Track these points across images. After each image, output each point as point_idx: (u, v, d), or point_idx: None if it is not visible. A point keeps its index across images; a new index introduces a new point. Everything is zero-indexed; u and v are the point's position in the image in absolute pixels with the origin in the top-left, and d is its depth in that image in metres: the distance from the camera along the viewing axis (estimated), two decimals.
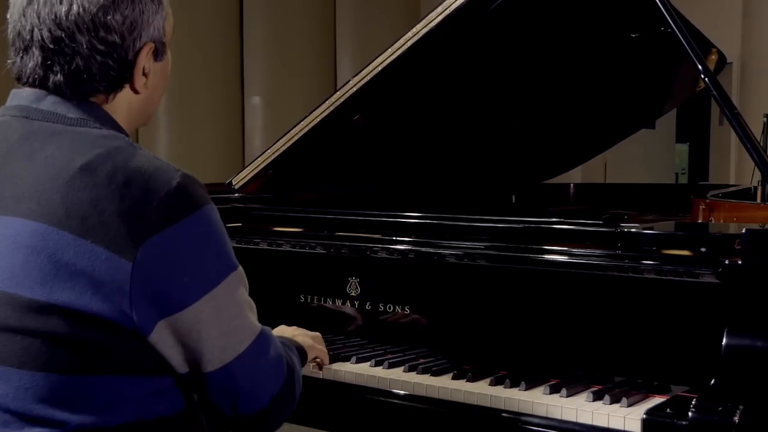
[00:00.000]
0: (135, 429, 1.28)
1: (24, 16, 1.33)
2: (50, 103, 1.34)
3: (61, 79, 1.33)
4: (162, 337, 1.26)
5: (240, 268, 1.36)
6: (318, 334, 1.87)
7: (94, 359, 1.24)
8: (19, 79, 1.36)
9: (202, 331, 1.29)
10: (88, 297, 1.21)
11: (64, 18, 1.31)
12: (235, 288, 1.34)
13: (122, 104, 1.40)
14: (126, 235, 1.21)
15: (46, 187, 1.25)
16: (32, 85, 1.35)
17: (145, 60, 1.39)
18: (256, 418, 1.40)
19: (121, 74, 1.37)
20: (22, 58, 1.35)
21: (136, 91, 1.40)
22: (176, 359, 1.30)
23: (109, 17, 1.32)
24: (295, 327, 1.82)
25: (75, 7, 1.31)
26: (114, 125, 1.37)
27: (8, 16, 1.36)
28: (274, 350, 1.41)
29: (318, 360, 1.87)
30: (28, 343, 1.23)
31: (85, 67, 1.33)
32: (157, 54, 1.42)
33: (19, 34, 1.34)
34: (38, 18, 1.31)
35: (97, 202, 1.22)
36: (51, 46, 1.31)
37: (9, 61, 1.37)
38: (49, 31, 1.31)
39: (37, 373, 1.23)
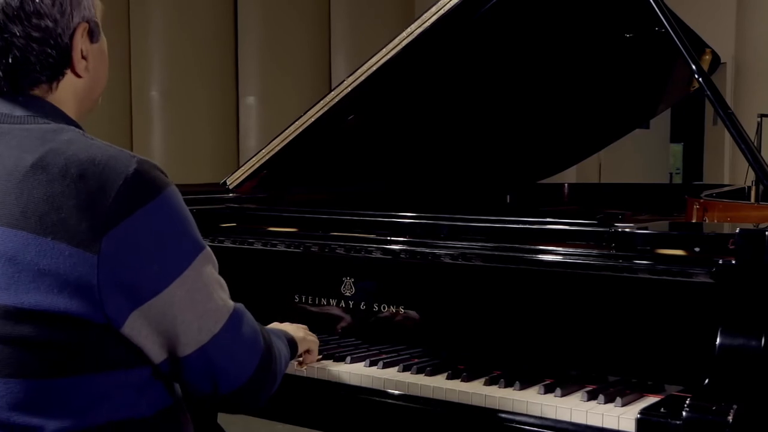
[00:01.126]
0: (117, 429, 1.26)
1: None
2: None
3: (0, 74, 1.31)
4: (135, 328, 1.24)
5: (207, 248, 1.34)
6: (303, 326, 1.86)
7: (66, 360, 1.22)
8: None
9: (178, 316, 1.27)
10: (54, 296, 1.19)
11: None
12: (204, 268, 1.31)
13: (67, 92, 1.37)
14: (88, 229, 1.19)
15: None
16: None
17: (81, 42, 1.36)
18: (237, 396, 1.38)
19: (61, 60, 1.34)
20: None
21: (78, 75, 1.37)
22: (151, 348, 1.28)
23: (37, 2, 1.29)
24: (287, 323, 1.82)
25: None
26: (63, 117, 1.35)
27: None
28: (249, 326, 1.40)
29: (311, 354, 1.86)
30: None
31: (22, 57, 1.30)
32: (92, 34, 1.39)
33: None
34: None
35: (53, 199, 1.20)
36: None
37: None
38: None
39: (10, 380, 1.21)
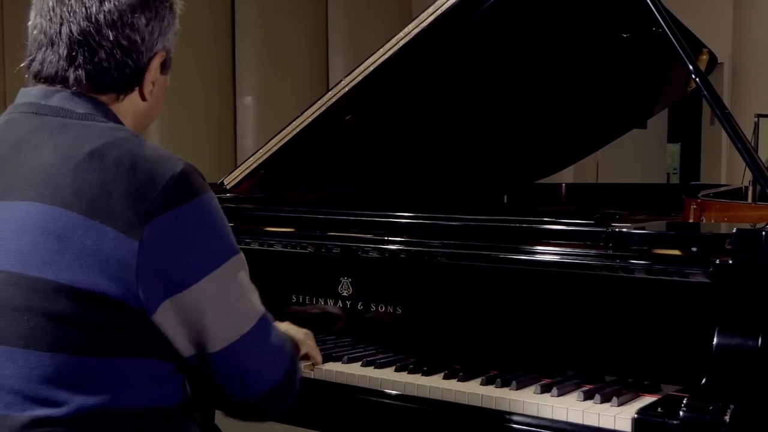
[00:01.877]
0: (134, 415, 1.30)
1: (53, 12, 1.38)
2: (59, 99, 1.38)
3: (82, 73, 1.38)
4: (166, 317, 1.29)
5: (241, 253, 1.39)
6: (309, 331, 1.87)
7: (99, 340, 1.27)
8: (37, 75, 1.41)
9: (207, 311, 1.32)
10: (95, 275, 1.25)
11: (95, 12, 1.36)
12: (237, 271, 1.37)
13: (129, 108, 1.45)
14: (133, 216, 1.25)
15: (55, 171, 1.29)
16: (51, 80, 1.40)
17: (155, 67, 1.45)
18: (259, 403, 1.42)
19: (135, 75, 1.43)
20: (44, 52, 1.39)
21: (143, 98, 1.46)
22: (180, 340, 1.32)
23: (135, 17, 1.39)
24: (287, 323, 1.82)
25: (107, 4, 1.37)
26: (118, 122, 1.42)
27: (32, 18, 1.42)
28: (276, 335, 1.45)
29: (311, 360, 1.87)
30: (34, 323, 1.25)
31: (106, 61, 1.38)
32: (165, 66, 1.49)
33: (44, 32, 1.39)
34: (69, 13, 1.37)
35: (105, 185, 1.27)
36: (79, 38, 1.36)
37: (28, 59, 1.42)
38: (79, 24, 1.36)
39: (43, 354, 1.25)
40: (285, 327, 1.76)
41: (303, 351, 1.80)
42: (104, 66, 1.38)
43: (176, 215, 1.28)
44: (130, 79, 1.42)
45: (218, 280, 1.33)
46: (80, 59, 1.37)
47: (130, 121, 1.46)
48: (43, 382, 1.25)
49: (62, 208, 1.26)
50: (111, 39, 1.38)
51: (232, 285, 1.36)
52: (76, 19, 1.36)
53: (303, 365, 1.84)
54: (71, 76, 1.38)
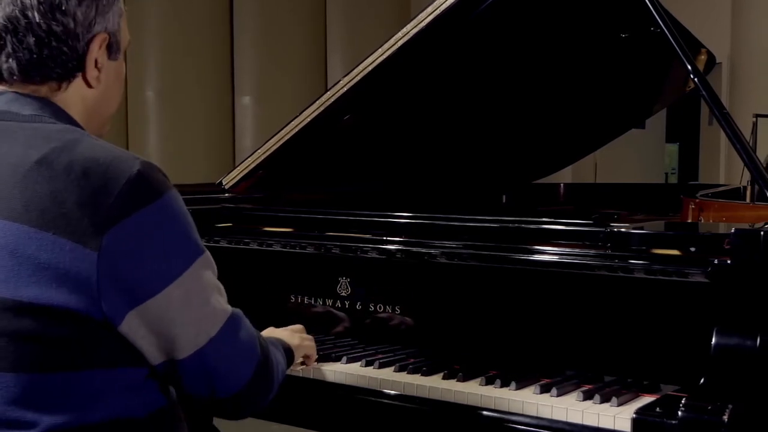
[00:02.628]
0: (110, 429, 1.26)
1: None
2: (4, 101, 1.33)
3: (14, 63, 1.32)
4: (132, 328, 1.25)
5: (207, 252, 1.35)
6: (301, 326, 1.87)
7: (64, 355, 1.23)
8: None
9: (175, 318, 1.28)
10: (53, 290, 1.20)
11: None
12: (202, 272, 1.32)
13: (75, 98, 1.39)
14: (89, 225, 1.20)
15: (2, 183, 1.23)
16: None
17: (98, 51, 1.38)
18: (233, 401, 1.38)
19: (74, 61, 1.36)
20: None
21: (89, 84, 1.39)
22: (149, 349, 1.28)
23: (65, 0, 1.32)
24: (283, 328, 1.82)
25: None
26: (69, 120, 1.36)
27: None
28: (247, 331, 1.40)
29: (312, 361, 1.88)
30: None
31: (38, 49, 1.32)
32: (111, 49, 1.41)
33: None
34: None
35: (56, 195, 1.21)
36: (6, 24, 1.31)
37: None
38: (4, 11, 1.31)
39: (6, 374, 1.22)
40: (280, 333, 1.76)
41: (300, 354, 1.79)
42: (36, 53, 1.32)
43: (135, 221, 1.22)
44: (67, 64, 1.35)
45: (184, 284, 1.28)
46: (9, 47, 1.32)
47: (82, 113, 1.39)
48: (10, 403, 1.21)
49: (12, 221, 1.21)
50: (40, 23, 1.31)
51: (198, 288, 1.31)
52: (1, 5, 1.31)
53: (296, 365, 1.85)
54: (3, 67, 1.33)
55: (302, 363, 1.86)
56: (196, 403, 1.39)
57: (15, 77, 1.34)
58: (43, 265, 1.20)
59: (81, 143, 1.27)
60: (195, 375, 1.33)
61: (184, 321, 1.29)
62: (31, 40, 1.32)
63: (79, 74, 1.38)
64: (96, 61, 1.38)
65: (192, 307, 1.30)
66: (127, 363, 1.28)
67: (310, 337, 1.88)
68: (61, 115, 1.35)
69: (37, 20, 1.31)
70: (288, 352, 1.66)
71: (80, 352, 1.23)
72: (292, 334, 1.80)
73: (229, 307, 1.38)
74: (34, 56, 1.32)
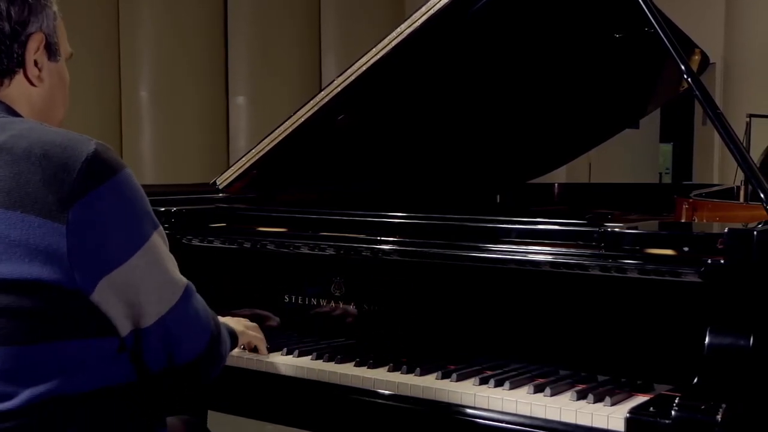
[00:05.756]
0: (86, 399, 1.32)
1: None
2: None
3: None
4: (104, 296, 1.31)
5: (161, 226, 1.43)
6: (250, 323, 1.98)
7: (38, 327, 1.28)
8: None
9: (140, 286, 1.35)
10: (26, 264, 1.26)
11: None
12: (161, 243, 1.41)
13: (20, 95, 1.46)
14: (55, 201, 1.27)
15: None
16: None
17: (35, 50, 1.46)
18: (187, 369, 1.46)
19: (11, 57, 1.43)
20: None
21: (31, 82, 1.47)
22: (119, 318, 1.35)
23: None
24: (228, 317, 1.92)
25: None
26: (16, 115, 1.44)
27: None
28: (201, 303, 1.49)
29: (258, 351, 1.98)
30: None
31: None
32: (50, 51, 1.50)
33: None
34: None
35: (19, 176, 1.28)
36: None
37: None
38: None
39: None
40: (224, 320, 1.79)
41: (243, 341, 1.91)
42: None
43: (97, 196, 1.29)
44: (6, 62, 1.43)
45: (147, 254, 1.36)
46: None
47: (29, 112, 1.47)
48: None
49: None
50: None
51: (158, 258, 1.39)
52: None
53: (250, 355, 1.95)
54: None
55: (253, 351, 1.98)
56: (153, 377, 1.45)
57: None
58: (15, 242, 1.26)
59: (36, 130, 1.35)
60: (156, 343, 1.40)
61: (148, 289, 1.36)
62: None
63: (20, 71, 1.45)
64: (36, 62, 1.47)
65: (153, 276, 1.38)
66: (101, 333, 1.34)
67: (255, 325, 1.98)
68: (9, 111, 1.43)
69: None
70: (232, 335, 1.72)
71: (55, 323, 1.29)
72: (237, 321, 1.90)
73: (184, 279, 1.46)
74: None
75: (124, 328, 1.37)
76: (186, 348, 1.44)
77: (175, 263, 1.46)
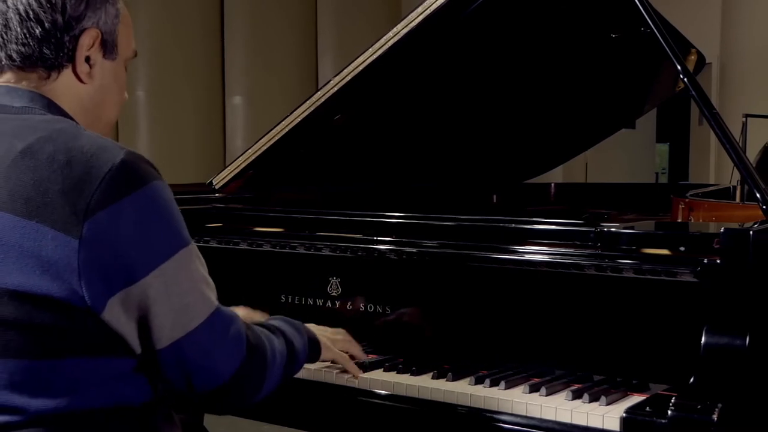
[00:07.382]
0: (98, 416, 1.28)
1: None
2: None
3: (2, 54, 1.35)
4: (114, 314, 1.25)
5: (193, 244, 1.34)
6: (346, 337, 1.85)
7: (48, 342, 1.24)
8: None
9: (152, 308, 1.28)
10: (36, 277, 1.21)
11: None
12: (186, 264, 1.32)
13: (67, 91, 1.40)
14: (70, 213, 1.21)
15: None
16: None
17: (89, 46, 1.40)
18: (214, 396, 1.38)
19: (62, 51, 1.37)
20: None
21: (80, 79, 1.40)
22: (131, 337, 1.29)
23: None
24: (325, 327, 1.80)
25: None
26: (60, 112, 1.37)
27: None
28: (234, 329, 1.39)
29: (349, 361, 1.83)
30: None
31: (25, 38, 1.34)
32: (106, 48, 1.42)
33: None
34: None
35: (39, 183, 1.22)
36: None
37: None
38: None
39: None
40: (317, 329, 1.73)
41: (328, 356, 1.76)
42: (24, 42, 1.34)
43: (117, 209, 1.23)
44: (56, 53, 1.37)
45: (165, 275, 1.28)
46: None
47: (77, 109, 1.40)
48: None
49: None
50: (28, 13, 1.33)
51: (179, 280, 1.30)
52: None
53: (341, 375, 1.83)
54: None
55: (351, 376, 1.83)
56: (180, 395, 1.39)
57: (5, 66, 1.36)
58: (27, 253, 1.21)
59: (66, 133, 1.28)
60: (171, 366, 1.33)
61: (162, 312, 1.29)
62: (19, 29, 1.34)
63: (69, 66, 1.39)
64: (88, 58, 1.40)
65: (171, 298, 1.29)
66: (114, 352, 1.29)
67: (343, 332, 1.85)
68: (52, 106, 1.37)
69: (26, 9, 1.33)
70: (313, 342, 1.64)
71: (65, 340, 1.24)
72: (325, 331, 1.77)
73: (215, 303, 1.37)
74: (22, 45, 1.34)
75: (137, 346, 1.31)
76: (206, 376, 1.35)
77: (211, 285, 1.37)
